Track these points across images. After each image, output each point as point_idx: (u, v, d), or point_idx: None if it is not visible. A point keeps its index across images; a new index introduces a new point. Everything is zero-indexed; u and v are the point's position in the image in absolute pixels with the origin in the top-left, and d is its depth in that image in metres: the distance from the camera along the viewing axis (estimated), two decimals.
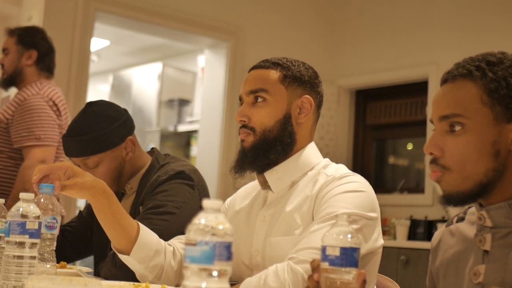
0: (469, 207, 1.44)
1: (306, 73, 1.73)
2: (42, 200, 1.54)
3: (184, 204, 1.97)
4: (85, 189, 1.59)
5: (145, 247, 1.67)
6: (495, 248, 1.30)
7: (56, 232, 1.58)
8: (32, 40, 3.27)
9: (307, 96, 1.71)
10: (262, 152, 1.67)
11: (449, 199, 1.31)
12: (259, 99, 1.69)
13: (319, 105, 1.76)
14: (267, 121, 1.68)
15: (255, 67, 1.76)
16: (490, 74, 1.28)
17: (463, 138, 1.29)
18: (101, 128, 2.03)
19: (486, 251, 1.32)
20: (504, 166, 1.28)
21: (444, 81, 1.35)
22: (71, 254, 2.25)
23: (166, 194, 1.97)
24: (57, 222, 1.57)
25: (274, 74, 1.71)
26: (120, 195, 2.16)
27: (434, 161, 1.32)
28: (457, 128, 1.29)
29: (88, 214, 2.28)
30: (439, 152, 1.31)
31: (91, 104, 2.10)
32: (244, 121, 1.70)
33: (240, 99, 1.74)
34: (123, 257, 1.69)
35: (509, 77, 1.27)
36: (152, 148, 2.25)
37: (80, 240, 2.26)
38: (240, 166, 1.70)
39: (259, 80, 1.71)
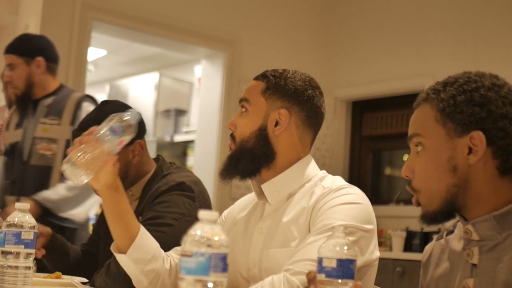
0: (458, 221, 1.44)
1: (294, 86, 1.70)
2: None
3: (183, 216, 1.96)
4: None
5: (141, 248, 1.66)
6: (482, 262, 1.31)
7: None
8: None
9: (283, 109, 1.69)
10: (234, 162, 1.70)
11: (425, 219, 1.39)
12: (243, 109, 1.72)
13: (306, 119, 1.71)
14: (244, 131, 1.70)
15: (254, 78, 1.78)
16: (442, 95, 1.34)
17: (423, 157, 1.35)
18: None
19: (474, 265, 1.32)
20: (466, 180, 1.31)
21: (414, 107, 1.42)
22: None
23: (165, 205, 1.96)
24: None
25: (259, 85, 1.72)
26: None
27: (409, 184, 1.40)
28: (419, 148, 1.36)
29: (97, 226, 2.26)
30: (411, 174, 1.38)
31: (106, 102, 2.10)
32: (232, 130, 1.73)
33: None
34: (120, 258, 1.67)
35: (457, 94, 1.33)
36: (158, 155, 2.25)
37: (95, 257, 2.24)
38: (221, 173, 1.73)
39: (247, 91, 1.74)
